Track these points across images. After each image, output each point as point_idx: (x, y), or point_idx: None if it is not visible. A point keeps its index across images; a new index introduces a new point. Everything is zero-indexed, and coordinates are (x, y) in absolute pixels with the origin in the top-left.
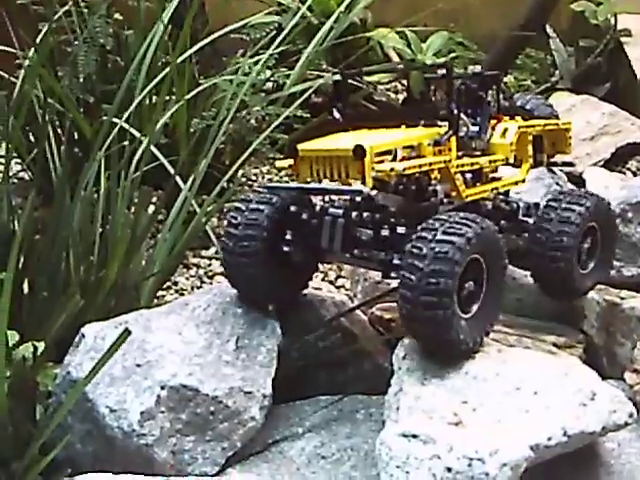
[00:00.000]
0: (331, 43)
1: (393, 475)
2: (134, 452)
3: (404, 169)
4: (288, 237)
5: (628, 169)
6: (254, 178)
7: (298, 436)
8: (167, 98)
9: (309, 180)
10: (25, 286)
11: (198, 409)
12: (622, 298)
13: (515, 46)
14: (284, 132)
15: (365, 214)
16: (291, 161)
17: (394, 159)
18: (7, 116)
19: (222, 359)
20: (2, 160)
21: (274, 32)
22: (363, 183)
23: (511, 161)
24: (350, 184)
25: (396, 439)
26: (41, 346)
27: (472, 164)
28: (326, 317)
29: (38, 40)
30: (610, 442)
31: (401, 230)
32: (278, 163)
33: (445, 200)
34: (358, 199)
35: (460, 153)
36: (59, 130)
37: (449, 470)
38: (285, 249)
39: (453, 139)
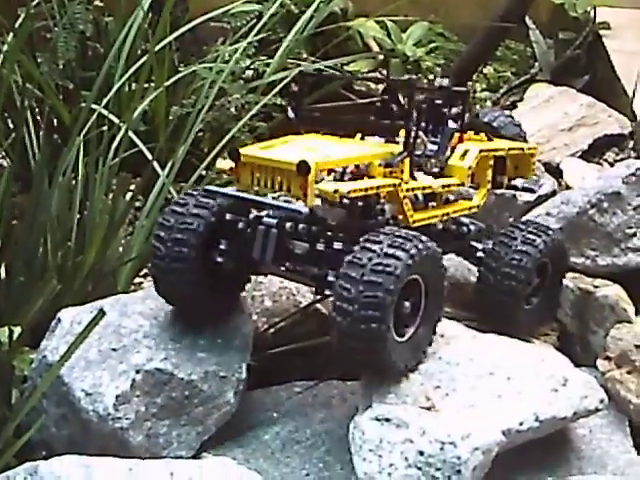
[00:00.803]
0: (311, 32)
1: (366, 459)
2: (109, 435)
3: (349, 192)
4: (221, 245)
5: (605, 160)
6: None
7: (273, 421)
8: (147, 85)
9: (250, 187)
10: (2, 271)
11: (173, 393)
12: (596, 286)
13: (495, 37)
14: (263, 120)
15: (301, 226)
16: (232, 164)
17: (343, 172)
18: None
19: (197, 343)
20: None
21: (254, 20)
22: (304, 200)
23: (467, 185)
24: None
25: (369, 423)
26: (17, 330)
27: (424, 188)
28: (302, 303)
29: (17, 25)
30: (581, 428)
31: (338, 246)
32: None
33: (392, 221)
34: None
35: (416, 168)
36: (38, 117)
37: (421, 454)
38: (218, 258)
39: (407, 161)
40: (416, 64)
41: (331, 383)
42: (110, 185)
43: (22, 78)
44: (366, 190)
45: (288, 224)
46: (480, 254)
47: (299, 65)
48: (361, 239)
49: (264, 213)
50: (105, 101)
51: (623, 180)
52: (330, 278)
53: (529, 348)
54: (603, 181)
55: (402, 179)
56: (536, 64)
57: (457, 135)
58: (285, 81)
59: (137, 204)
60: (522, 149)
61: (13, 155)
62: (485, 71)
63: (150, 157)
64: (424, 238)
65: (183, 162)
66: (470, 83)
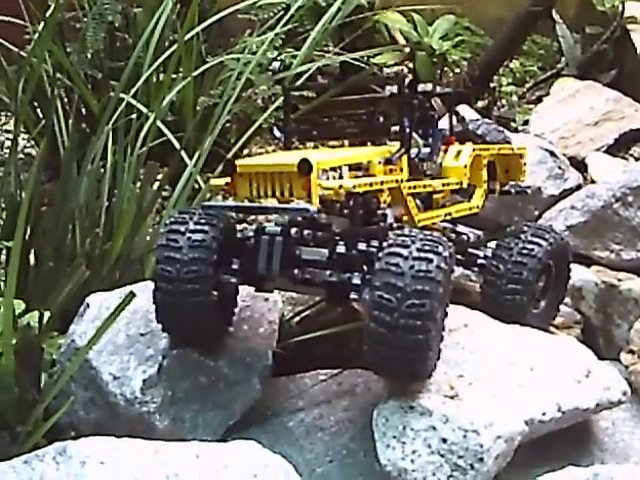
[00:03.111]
0: (338, 24)
1: (389, 445)
2: (136, 419)
3: (354, 186)
4: (231, 263)
5: (631, 155)
6: None
7: (297, 408)
8: (175, 76)
9: (248, 198)
10: (32, 257)
11: (199, 378)
12: (620, 280)
13: (521, 31)
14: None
15: (306, 232)
16: (228, 179)
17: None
18: (16, 90)
19: (224, 330)
20: (10, 135)
21: (281, 12)
22: (309, 201)
23: (464, 185)
24: (290, 202)
25: (393, 410)
26: (46, 315)
27: (425, 186)
28: None
29: (47, 15)
30: (604, 421)
31: (362, 246)
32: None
33: (395, 225)
34: (299, 218)
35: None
36: (67, 106)
37: (444, 441)
38: (225, 276)
39: (405, 158)
40: (442, 57)
41: (355, 371)
42: (138, 174)
43: (52, 68)
44: (370, 185)
45: (293, 230)
46: (481, 261)
47: (326, 57)
48: (384, 244)
49: (267, 224)
50: (133, 91)
51: None
52: (356, 281)
53: (552, 340)
54: (628, 175)
55: (403, 177)
56: (563, 59)
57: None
58: (310, 71)
59: (165, 193)
60: (512, 149)
61: (42, 144)
62: (511, 65)
63: (178, 146)
64: (444, 237)
65: (210, 152)
66: (495, 77)
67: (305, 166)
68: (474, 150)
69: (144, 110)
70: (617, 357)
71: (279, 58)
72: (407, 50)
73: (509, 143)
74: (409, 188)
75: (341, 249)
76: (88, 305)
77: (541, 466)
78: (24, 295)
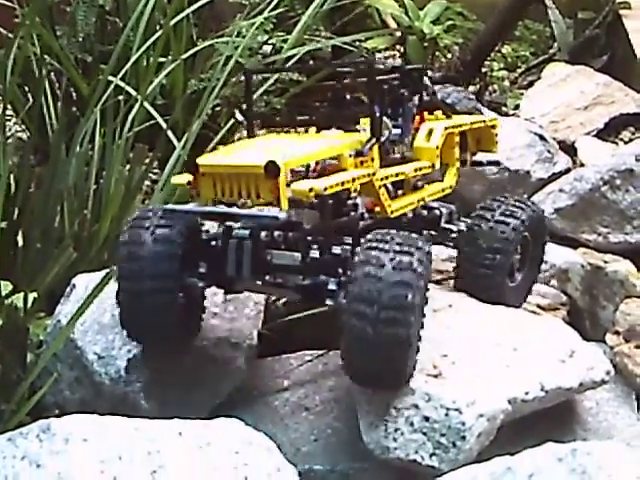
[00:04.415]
0: (329, 8)
1: (372, 424)
2: (120, 398)
3: (325, 189)
4: (196, 266)
5: (621, 139)
6: None
7: (283, 388)
8: (165, 60)
9: (213, 200)
10: (19, 238)
11: (184, 358)
12: (606, 262)
13: (513, 16)
14: (279, 95)
15: (277, 233)
16: (190, 177)
17: (307, 171)
18: (4, 72)
19: (210, 311)
20: None
21: None
22: (277, 205)
23: (437, 166)
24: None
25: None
26: (33, 296)
27: (397, 174)
28: None
29: None
30: (588, 401)
31: (336, 250)
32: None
33: (366, 215)
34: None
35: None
36: (58, 91)
37: (427, 419)
38: (191, 279)
39: (376, 147)
40: (433, 42)
41: None
42: (127, 156)
43: (40, 50)
44: (342, 184)
45: (263, 233)
46: (455, 235)
47: (317, 41)
48: (357, 261)
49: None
50: (122, 73)
51: (636, 158)
52: (331, 287)
53: (537, 320)
54: (616, 158)
55: (374, 168)
56: (555, 44)
57: (418, 115)
58: (299, 55)
59: (154, 177)
60: (484, 121)
61: (32, 127)
62: (503, 50)
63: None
64: (418, 237)
65: (200, 136)
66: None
67: (273, 169)
68: (446, 129)
69: (133, 93)
70: (603, 338)
71: (270, 42)
72: (398, 34)
73: (480, 112)
74: (381, 179)
75: (314, 253)
76: (74, 286)
77: (524, 445)
78: (12, 276)
